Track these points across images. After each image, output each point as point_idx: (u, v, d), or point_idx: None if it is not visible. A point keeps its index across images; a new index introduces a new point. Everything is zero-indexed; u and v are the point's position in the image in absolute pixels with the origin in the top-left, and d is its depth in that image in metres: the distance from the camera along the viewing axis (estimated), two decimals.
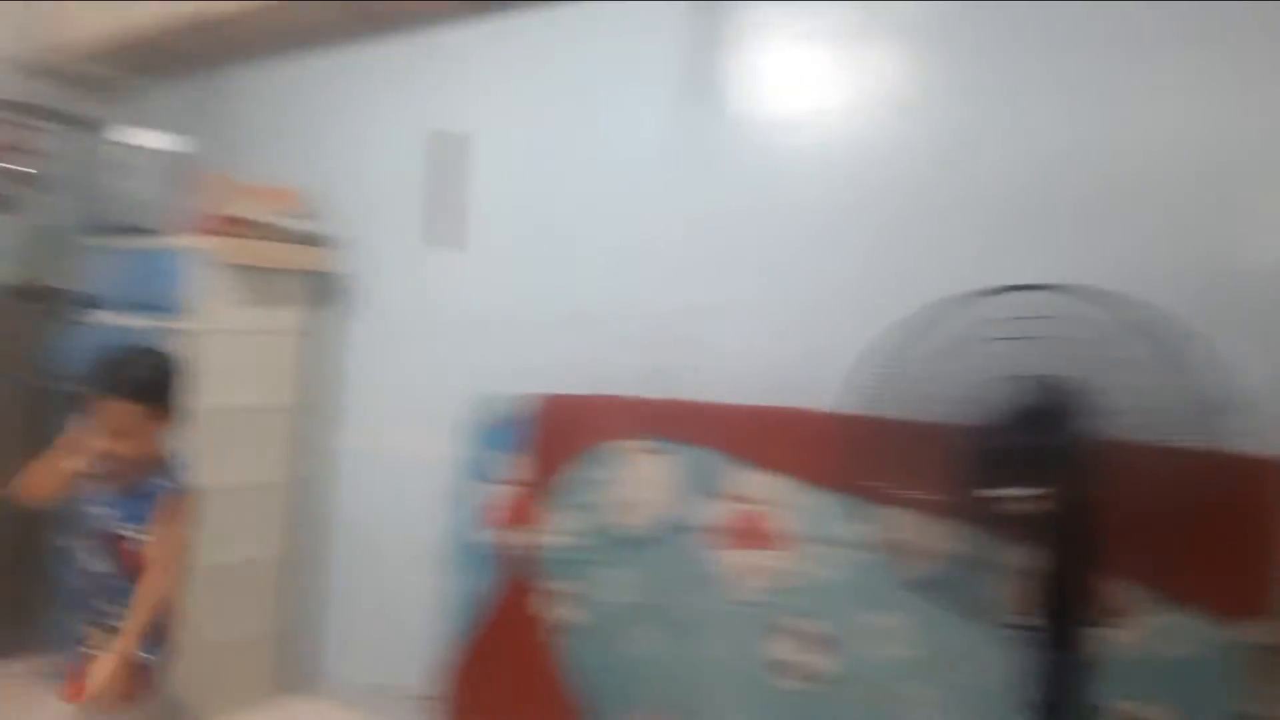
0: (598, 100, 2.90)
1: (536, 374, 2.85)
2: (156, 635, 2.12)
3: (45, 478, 2.11)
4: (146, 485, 2.11)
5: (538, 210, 3.01)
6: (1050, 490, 1.62)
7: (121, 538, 2.10)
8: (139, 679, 2.06)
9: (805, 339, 2.49)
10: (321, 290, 3.36)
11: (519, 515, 2.75)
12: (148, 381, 2.10)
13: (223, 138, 3.86)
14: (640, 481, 2.55)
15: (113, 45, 3.76)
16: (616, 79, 2.86)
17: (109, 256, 3.27)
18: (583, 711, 2.58)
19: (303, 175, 3.47)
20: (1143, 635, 1.88)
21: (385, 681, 3.17)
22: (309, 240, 3.33)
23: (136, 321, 3.10)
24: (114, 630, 2.05)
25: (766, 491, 2.36)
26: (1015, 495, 1.64)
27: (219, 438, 3.06)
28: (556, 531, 2.67)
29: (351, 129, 3.43)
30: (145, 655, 2.08)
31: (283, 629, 3.25)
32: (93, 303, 3.33)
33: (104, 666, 1.99)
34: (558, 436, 2.72)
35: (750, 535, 2.37)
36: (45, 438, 2.15)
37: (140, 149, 4.24)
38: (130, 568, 2.10)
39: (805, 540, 2.30)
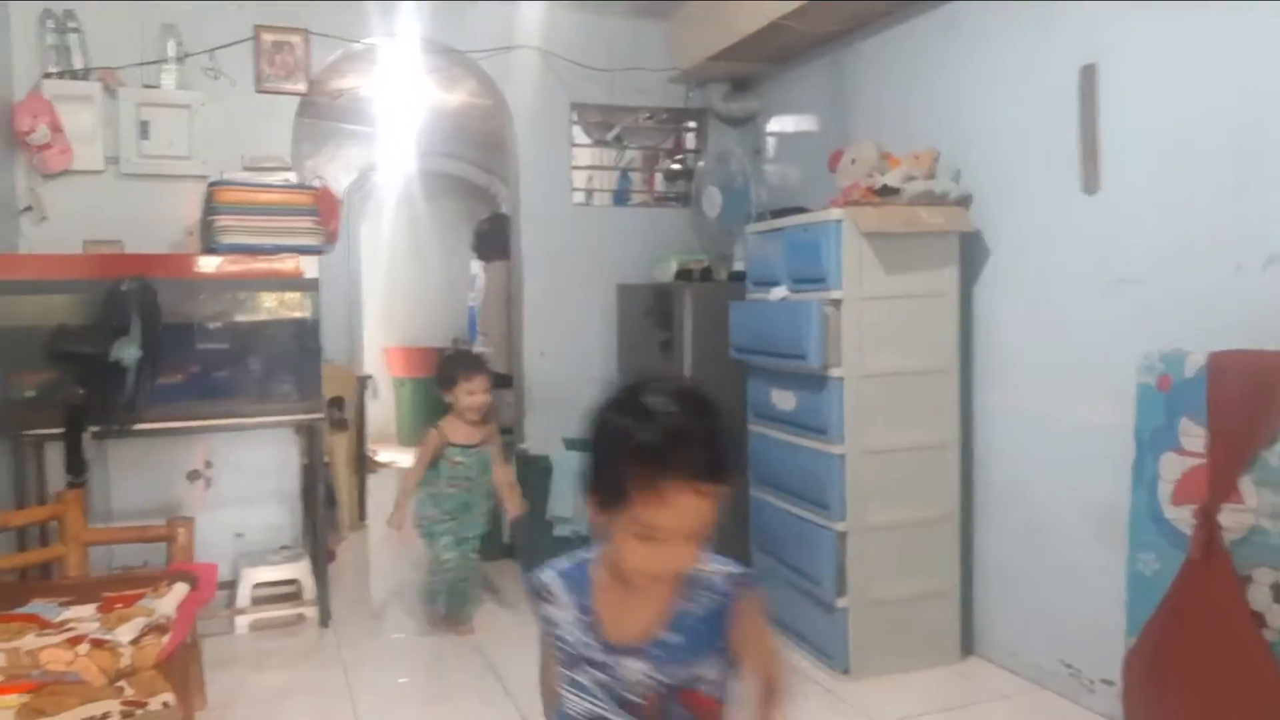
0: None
1: (1218, 329, 2.44)
2: None
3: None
4: (696, 598, 1.38)
5: (1188, 146, 2.57)
6: None
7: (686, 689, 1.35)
8: None
9: None
10: (965, 250, 3.27)
11: (1206, 490, 2.38)
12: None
13: (854, 111, 3.98)
14: None
15: (739, 43, 4.09)
16: None
17: (766, 237, 3.56)
18: None
19: (936, 137, 3.41)
20: None
21: (1048, 654, 3.03)
22: (950, 201, 3.26)
23: (793, 296, 3.32)
24: None
25: None
26: None
27: (878, 402, 3.16)
28: (1252, 510, 2.25)
29: (978, 81, 3.28)
30: None
31: (947, 590, 3.26)
32: (753, 280, 3.65)
33: None
34: (1254, 399, 2.29)
35: None
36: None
37: (783, 134, 4.57)
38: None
39: None
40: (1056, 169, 2.99)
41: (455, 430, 3.67)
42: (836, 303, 3.13)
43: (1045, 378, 3.08)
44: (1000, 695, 3.05)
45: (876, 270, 3.17)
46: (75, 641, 2.19)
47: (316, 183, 4.14)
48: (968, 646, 3.35)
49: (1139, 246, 2.75)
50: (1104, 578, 2.81)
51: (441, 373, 3.79)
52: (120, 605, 2.46)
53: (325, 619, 3.81)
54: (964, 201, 3.32)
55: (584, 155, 4.79)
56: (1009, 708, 2.97)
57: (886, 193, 3.24)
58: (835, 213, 3.16)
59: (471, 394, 3.66)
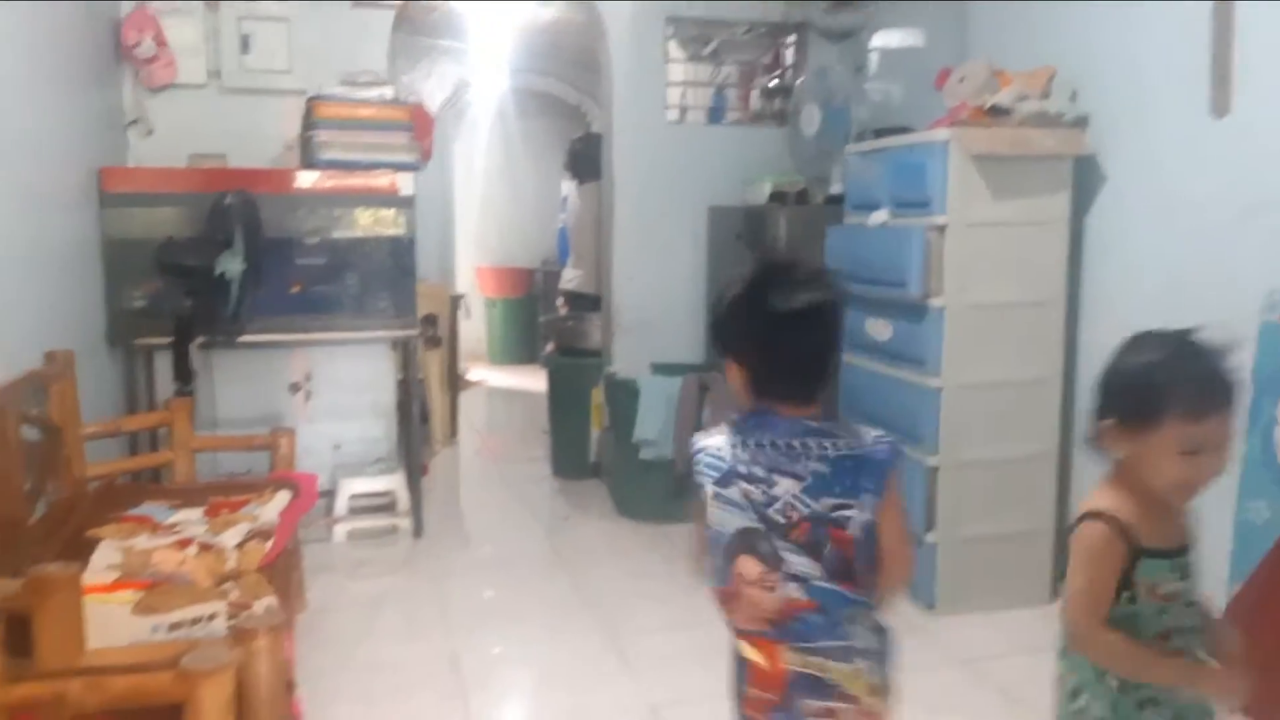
0: None
1: None
2: None
3: None
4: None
5: None
6: None
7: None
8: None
9: None
10: (1079, 175, 3.10)
11: None
12: None
13: (966, 27, 3.77)
14: None
15: None
16: None
17: (867, 158, 3.43)
18: None
19: (1053, 55, 3.21)
20: None
21: None
22: (1065, 123, 3.08)
23: (894, 220, 3.21)
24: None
25: None
26: None
27: (979, 334, 3.05)
28: None
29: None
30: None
31: (1041, 530, 3.18)
32: (851, 204, 3.54)
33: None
34: None
35: None
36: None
37: (887, 50, 4.38)
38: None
39: None
40: (1184, 90, 2.79)
41: None
42: (940, 228, 3.01)
43: (1159, 312, 2.89)
44: None
45: (983, 195, 3.02)
46: (184, 544, 2.29)
47: (411, 99, 4.13)
48: (1059, 589, 3.27)
49: (1270, 174, 2.56)
50: (1208, 524, 2.68)
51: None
52: (226, 510, 2.56)
53: (419, 530, 3.92)
54: (1080, 123, 3.13)
55: (678, 71, 4.66)
56: None
57: (997, 113, 3.08)
58: (942, 133, 3.02)
59: None
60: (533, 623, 3.11)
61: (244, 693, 1.55)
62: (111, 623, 1.86)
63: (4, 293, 2.48)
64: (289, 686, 1.71)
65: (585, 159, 5.67)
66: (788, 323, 1.47)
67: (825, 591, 1.47)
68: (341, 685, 2.65)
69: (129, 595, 2.01)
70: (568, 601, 3.27)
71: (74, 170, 3.23)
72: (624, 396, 4.08)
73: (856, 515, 1.45)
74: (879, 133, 3.54)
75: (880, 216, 3.29)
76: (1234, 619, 2.47)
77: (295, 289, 3.64)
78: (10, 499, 2.19)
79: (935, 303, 3.03)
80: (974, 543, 3.13)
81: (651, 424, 3.96)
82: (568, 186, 6.41)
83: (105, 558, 2.19)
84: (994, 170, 3.02)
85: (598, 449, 4.61)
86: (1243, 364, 2.48)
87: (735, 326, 1.56)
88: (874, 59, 4.47)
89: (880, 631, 1.53)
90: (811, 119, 4.32)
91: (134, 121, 3.86)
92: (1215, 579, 2.57)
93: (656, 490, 4.07)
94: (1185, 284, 2.82)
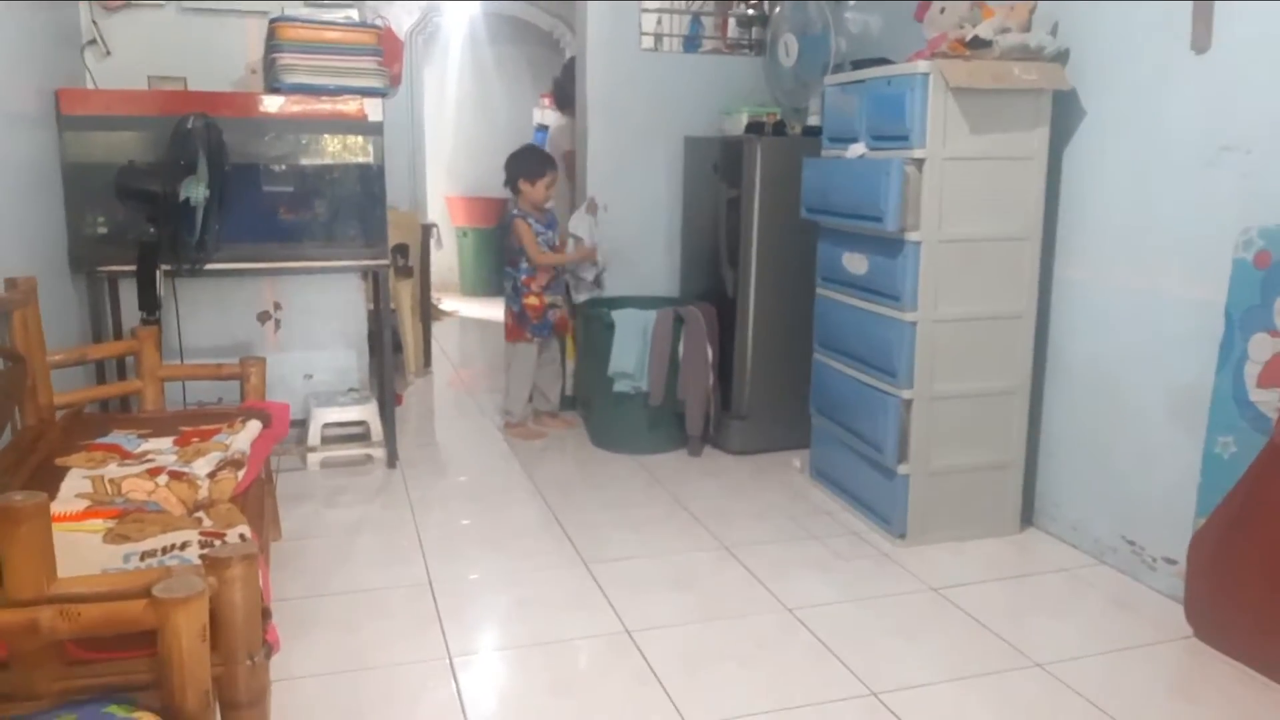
0: None
1: None
2: None
3: None
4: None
5: None
6: None
7: None
8: None
9: None
10: (1058, 110, 3.08)
11: None
12: None
13: None
14: None
15: None
16: None
17: (845, 90, 3.38)
18: None
19: None
20: None
21: (1110, 529, 3.01)
22: (1046, 57, 3.05)
23: (872, 153, 3.18)
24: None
25: None
26: None
27: (954, 269, 3.06)
28: None
29: None
30: None
31: (1010, 462, 3.23)
32: (829, 136, 3.50)
33: None
34: None
35: None
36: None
37: None
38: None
39: None
40: (1164, 25, 2.76)
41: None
42: (918, 162, 2.99)
43: (1133, 250, 2.94)
44: (1057, 567, 3.05)
45: (962, 129, 3.00)
46: (155, 472, 2.27)
47: (379, 22, 4.01)
48: (1027, 519, 3.34)
49: (1248, 112, 2.55)
50: (1177, 458, 2.75)
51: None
52: (197, 440, 2.54)
53: (393, 460, 3.92)
54: (1060, 57, 3.10)
55: None
56: (1066, 579, 2.97)
57: (977, 45, 3.03)
58: (922, 65, 2.98)
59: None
60: (508, 550, 3.13)
61: (218, 620, 1.55)
62: (82, 551, 1.85)
63: None
64: (264, 614, 1.71)
65: (570, 87, 5.56)
66: None
67: None
68: (318, 612, 2.66)
69: (99, 524, 2.00)
70: (543, 530, 3.29)
71: (31, 92, 3.11)
72: (599, 329, 4.07)
73: None
74: (857, 64, 3.49)
75: (858, 149, 3.26)
76: (1199, 553, 2.54)
77: (262, 216, 3.57)
78: None
79: (912, 236, 3.02)
80: (945, 474, 3.17)
81: (627, 356, 3.96)
82: (548, 115, 6.29)
83: (74, 486, 2.17)
84: (973, 104, 2.99)
85: (573, 381, 4.60)
86: (1215, 300, 2.52)
87: None
88: None
89: None
90: (789, 49, 4.25)
91: (91, 42, 3.72)
92: (1183, 513, 2.64)
93: (633, 422, 4.09)
94: (1160, 221, 2.82)
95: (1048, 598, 2.86)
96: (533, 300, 4.25)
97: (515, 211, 4.26)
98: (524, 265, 4.24)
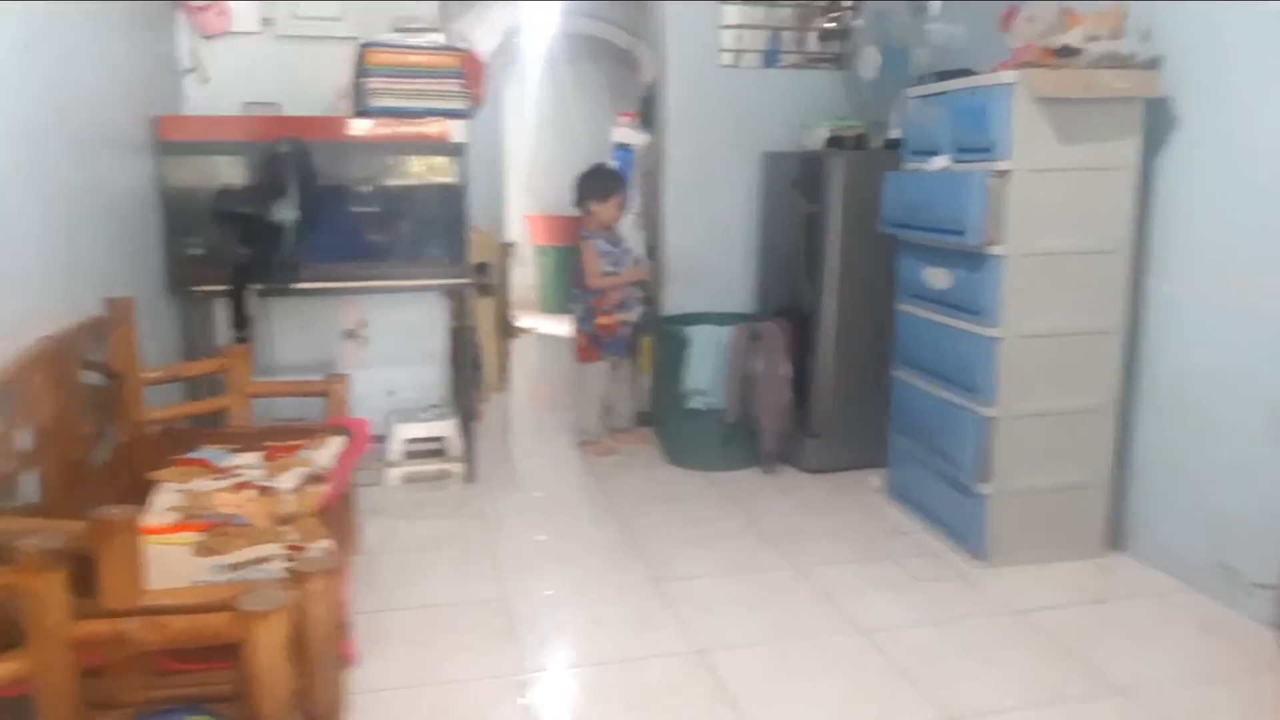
0: None
1: None
2: None
3: None
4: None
5: None
6: None
7: None
8: None
9: None
10: (1150, 119, 2.98)
11: None
12: None
13: None
14: None
15: None
16: None
17: (927, 101, 3.32)
18: None
19: None
20: None
21: (1202, 553, 2.87)
22: (1137, 64, 2.95)
23: (956, 166, 3.12)
24: None
25: None
26: None
27: (1040, 283, 2.98)
28: None
29: None
30: None
31: (1096, 482, 3.11)
32: (911, 149, 3.44)
33: None
34: None
35: None
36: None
37: None
38: None
39: None
40: (1263, 29, 2.65)
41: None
42: (1003, 174, 2.92)
43: (1228, 263, 2.81)
44: (1145, 592, 2.93)
45: (1048, 139, 2.92)
46: (242, 487, 2.34)
47: (462, 45, 4.09)
48: (1114, 542, 3.21)
49: None
50: (1274, 478, 2.62)
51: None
52: (282, 455, 2.61)
53: (471, 475, 3.97)
54: (1153, 64, 3.00)
55: (732, 13, 4.55)
56: (1154, 604, 2.85)
57: (1066, 54, 2.95)
58: (1007, 75, 2.91)
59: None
60: (582, 567, 3.14)
61: (299, 633, 1.59)
62: (172, 563, 1.92)
63: (66, 240, 2.53)
64: (343, 627, 1.75)
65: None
66: None
67: None
68: (395, 626, 2.71)
69: (189, 537, 2.07)
70: (617, 547, 3.29)
71: (132, 118, 3.26)
72: (674, 345, 4.06)
73: None
74: (940, 75, 3.42)
75: (941, 162, 3.20)
76: None
77: (348, 237, 3.67)
78: (73, 442, 2.25)
79: (995, 250, 2.95)
80: (1028, 494, 3.08)
81: (702, 373, 3.95)
82: (628, 134, 6.33)
83: (165, 500, 2.25)
84: (1060, 113, 2.91)
85: (647, 397, 4.61)
86: None
87: None
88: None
89: None
90: (870, 62, 4.20)
91: (190, 69, 3.89)
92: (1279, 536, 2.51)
93: (706, 439, 4.07)
94: (1257, 233, 2.70)
95: (1133, 623, 2.75)
96: (605, 320, 4.27)
97: (584, 233, 4.29)
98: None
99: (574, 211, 4.46)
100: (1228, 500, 2.81)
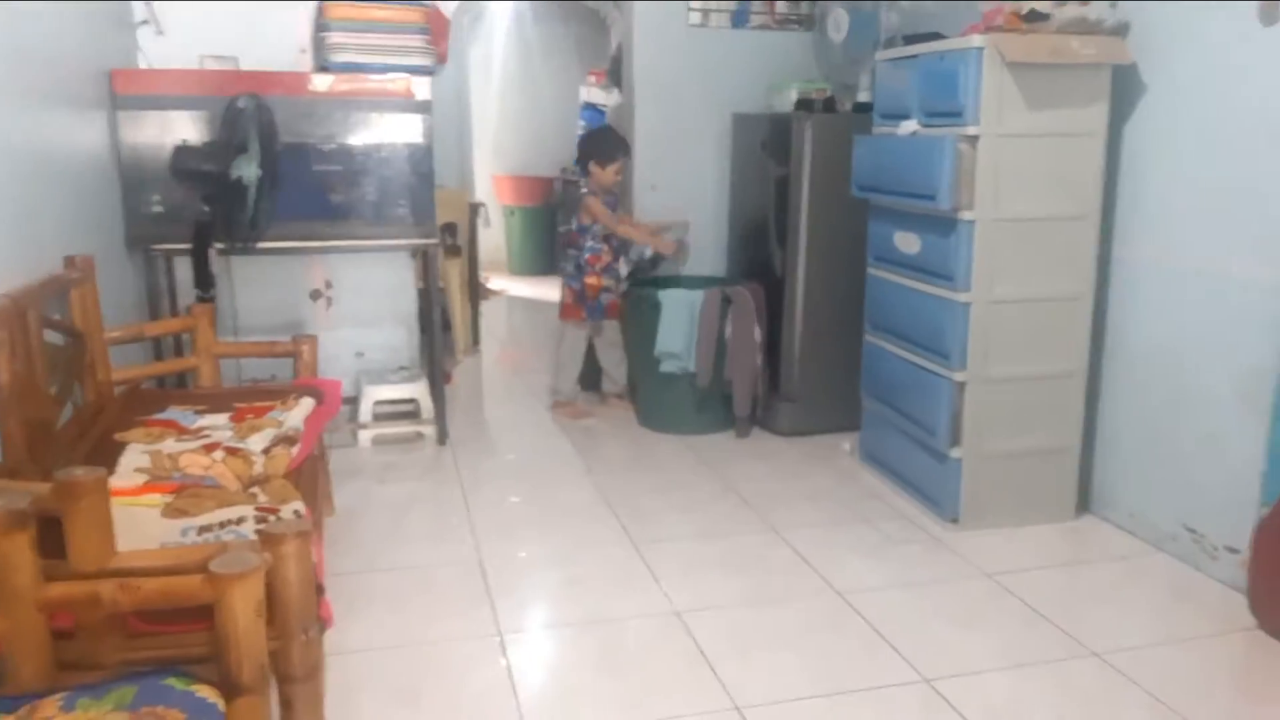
0: None
1: None
2: None
3: None
4: None
5: None
6: None
7: None
8: None
9: None
10: (1118, 85, 2.99)
11: None
12: None
13: None
14: None
15: None
16: None
17: (897, 65, 3.31)
18: None
19: None
20: None
21: (1170, 517, 2.93)
22: (1105, 30, 2.96)
23: (925, 130, 3.11)
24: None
25: None
26: None
27: (1010, 249, 2.99)
28: None
29: None
30: None
31: (1066, 447, 3.16)
32: (880, 112, 3.43)
33: None
34: None
35: None
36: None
37: None
38: None
39: None
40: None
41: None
42: (972, 139, 2.92)
43: (1196, 229, 2.84)
44: (1115, 555, 2.99)
45: (1018, 105, 2.92)
46: (211, 448, 2.30)
47: (426, 1, 4.01)
48: (1083, 505, 3.27)
49: None
50: (1241, 443, 2.67)
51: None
52: (251, 416, 2.57)
53: (443, 437, 3.95)
54: (1120, 30, 3.00)
55: None
56: (1123, 567, 2.91)
57: (1034, 18, 2.95)
58: (976, 39, 2.90)
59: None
60: (557, 529, 3.14)
61: (273, 595, 1.57)
62: (141, 526, 1.88)
63: (21, 197, 2.45)
64: (318, 589, 1.72)
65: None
66: None
67: None
68: (370, 588, 2.70)
69: (157, 498, 2.03)
70: (592, 509, 3.30)
71: (85, 72, 3.16)
72: (646, 309, 4.05)
73: None
74: (910, 39, 3.41)
75: (910, 126, 3.19)
76: (1264, 542, 2.46)
77: (313, 195, 3.59)
78: (37, 402, 2.19)
79: (965, 215, 2.96)
80: (998, 459, 3.12)
81: (674, 337, 3.94)
82: (596, 93, 6.26)
83: (132, 461, 2.21)
84: (1029, 79, 2.91)
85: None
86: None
87: None
88: None
89: None
90: (839, 24, 4.17)
91: (143, 22, 3.76)
92: (1246, 501, 2.57)
93: (680, 403, 4.07)
94: (1225, 200, 2.73)
95: (1105, 586, 2.81)
96: (593, 279, 4.24)
97: (585, 189, 4.25)
98: (589, 244, 4.23)
99: (551, 170, 4.43)
100: (1195, 465, 2.87)
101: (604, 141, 4.27)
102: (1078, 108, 2.98)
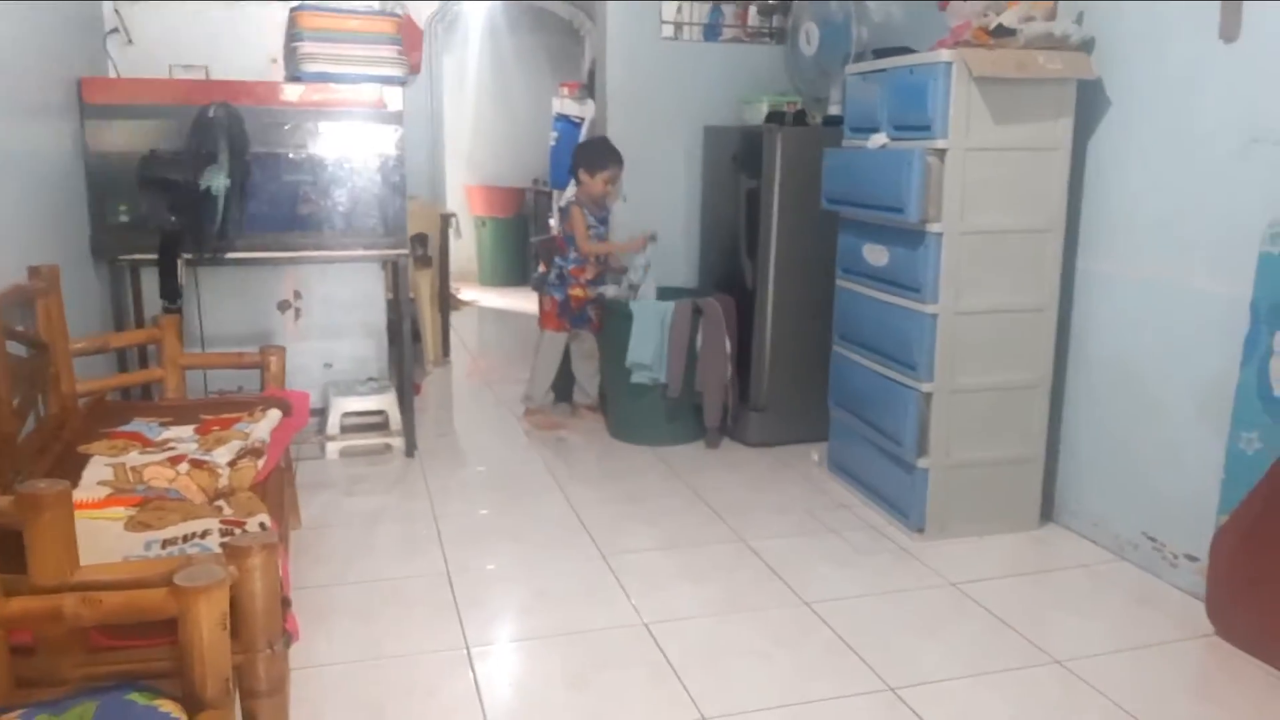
0: None
1: None
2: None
3: None
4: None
5: None
6: None
7: None
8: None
9: None
10: (1083, 100, 3.04)
11: None
12: None
13: None
14: None
15: None
16: None
17: (867, 79, 3.35)
18: None
19: None
20: None
21: (1131, 525, 2.98)
22: (1071, 45, 3.01)
23: (894, 144, 3.15)
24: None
25: None
26: None
27: (976, 261, 3.03)
28: None
29: None
30: None
31: (1031, 457, 3.20)
32: (850, 125, 3.47)
33: None
34: None
35: None
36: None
37: None
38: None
39: None
40: (1192, 13, 2.72)
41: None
42: (940, 152, 2.96)
43: (1158, 243, 2.90)
44: (1077, 563, 3.02)
45: (985, 119, 2.97)
46: (175, 460, 2.28)
47: (399, 10, 4.01)
48: (1048, 514, 3.31)
49: (1276, 103, 2.51)
50: (1200, 454, 2.72)
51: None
52: (217, 428, 2.55)
53: (411, 449, 3.93)
54: (1085, 46, 3.06)
55: None
56: (1086, 575, 2.95)
57: (1001, 33, 3.00)
58: (945, 54, 2.95)
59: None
60: (526, 541, 3.13)
61: (238, 608, 1.56)
62: (104, 539, 1.86)
63: None
64: (284, 602, 1.71)
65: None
66: None
67: None
68: (337, 600, 2.68)
69: (121, 511, 2.01)
70: (561, 521, 3.29)
71: (54, 81, 3.13)
72: (617, 320, 4.06)
73: None
74: (879, 53, 3.46)
75: (879, 139, 3.23)
76: (1222, 550, 2.51)
77: (282, 205, 3.58)
78: None
79: (933, 228, 3.00)
80: (964, 468, 3.15)
81: (645, 348, 3.95)
82: (569, 105, 6.27)
83: (96, 474, 2.19)
84: (996, 93, 2.96)
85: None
86: (1241, 294, 2.48)
87: None
88: None
89: None
90: (810, 38, 4.22)
91: (113, 30, 3.74)
92: (1205, 510, 2.61)
93: (651, 413, 4.08)
94: (1186, 213, 2.79)
95: (1067, 594, 2.84)
96: (578, 291, 4.23)
97: (573, 199, 4.25)
98: (573, 255, 4.23)
99: (522, 181, 4.41)
100: (1156, 475, 2.91)
101: (594, 150, 4.27)
102: (1043, 122, 3.03)
